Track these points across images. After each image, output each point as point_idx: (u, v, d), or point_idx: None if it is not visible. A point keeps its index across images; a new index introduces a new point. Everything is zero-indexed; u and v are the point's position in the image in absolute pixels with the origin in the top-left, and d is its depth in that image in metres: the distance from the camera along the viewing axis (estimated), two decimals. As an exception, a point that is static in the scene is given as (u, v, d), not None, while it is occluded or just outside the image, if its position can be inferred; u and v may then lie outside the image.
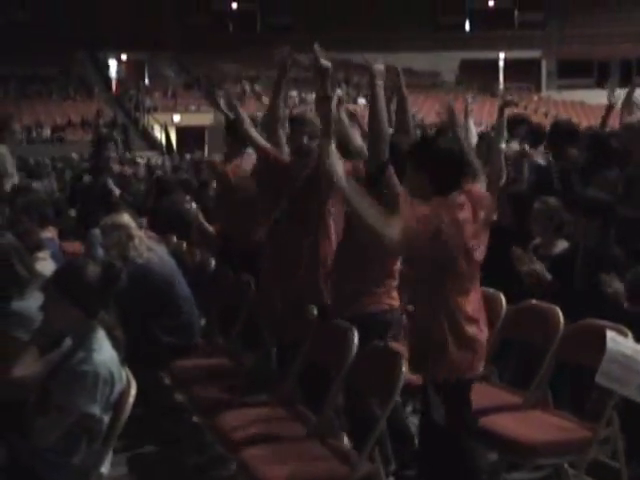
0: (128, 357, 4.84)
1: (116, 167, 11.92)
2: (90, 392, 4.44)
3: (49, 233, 8.50)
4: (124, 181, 10.93)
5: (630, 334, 5.23)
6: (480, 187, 5.01)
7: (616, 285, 6.01)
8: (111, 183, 11.11)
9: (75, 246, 10.59)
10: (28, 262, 6.09)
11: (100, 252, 7.93)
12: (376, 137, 5.71)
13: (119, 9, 61.63)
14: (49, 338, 5.07)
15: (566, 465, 5.32)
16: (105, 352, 4.60)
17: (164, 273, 7.07)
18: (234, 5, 69.31)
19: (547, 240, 7.09)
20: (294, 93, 54.74)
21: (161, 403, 7.24)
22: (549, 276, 6.62)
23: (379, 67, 5.89)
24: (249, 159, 7.82)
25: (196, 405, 6.47)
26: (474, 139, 6.95)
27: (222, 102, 8.15)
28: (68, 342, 4.84)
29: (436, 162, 4.81)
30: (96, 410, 4.46)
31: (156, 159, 33.10)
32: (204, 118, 47.68)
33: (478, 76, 63.69)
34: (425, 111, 47.50)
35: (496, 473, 5.73)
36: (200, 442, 6.85)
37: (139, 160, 25.84)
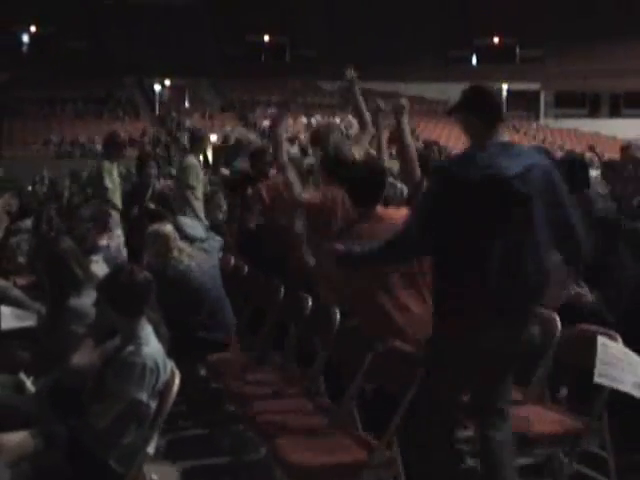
0: (169, 351, 4.88)
1: (157, 184, 11.84)
2: (138, 381, 4.48)
3: (104, 240, 8.55)
4: (163, 197, 10.89)
5: (619, 339, 5.22)
6: None
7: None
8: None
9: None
10: (84, 264, 6.14)
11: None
12: (408, 161, 6.26)
13: (163, 40, 61.90)
14: (102, 332, 5.11)
15: (560, 454, 5.30)
16: (152, 345, 4.64)
17: (202, 277, 7.08)
18: (266, 37, 69.49)
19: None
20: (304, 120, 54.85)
21: (198, 393, 7.26)
22: None
23: (403, 102, 6.61)
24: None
25: (230, 395, 6.48)
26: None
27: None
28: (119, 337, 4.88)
29: None
30: (143, 397, 4.50)
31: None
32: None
33: (483, 105, 63.65)
34: (436, 134, 47.33)
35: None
36: (233, 428, 6.87)
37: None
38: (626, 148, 11.01)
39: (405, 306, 5.45)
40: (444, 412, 4.78)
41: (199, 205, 10.54)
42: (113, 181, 10.87)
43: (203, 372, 7.46)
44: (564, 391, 6.36)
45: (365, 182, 5.74)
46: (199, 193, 10.66)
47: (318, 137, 7.86)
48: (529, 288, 4.63)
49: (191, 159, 10.86)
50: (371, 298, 5.50)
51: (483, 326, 4.57)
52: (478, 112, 4.72)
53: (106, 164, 11.02)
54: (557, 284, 6.04)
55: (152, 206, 9.87)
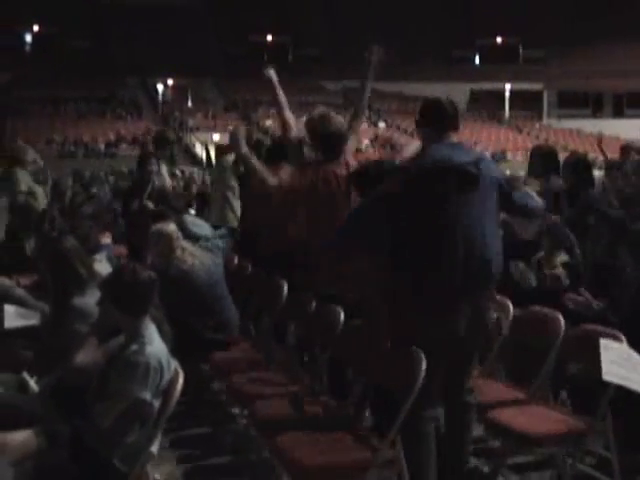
0: (172, 350, 4.88)
1: (157, 181, 11.79)
2: (142, 380, 4.48)
3: (106, 239, 8.56)
4: (162, 194, 10.85)
5: (624, 339, 5.22)
6: None
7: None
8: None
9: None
10: (87, 262, 6.15)
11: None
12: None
13: (166, 40, 61.90)
14: (105, 331, 5.11)
15: (563, 454, 5.29)
16: (155, 344, 4.64)
17: (206, 277, 7.08)
18: (269, 37, 69.49)
19: (550, 253, 7.07)
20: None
21: (201, 392, 7.26)
22: (568, 281, 6.63)
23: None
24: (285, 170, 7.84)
25: (232, 393, 6.48)
26: None
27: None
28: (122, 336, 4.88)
29: None
30: (147, 396, 4.49)
31: (197, 173, 33.20)
32: (240, 138, 47.74)
33: (486, 105, 63.80)
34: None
35: (501, 458, 5.72)
36: (235, 427, 6.88)
37: (177, 173, 25.80)
38: (624, 148, 11.05)
39: None
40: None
41: (238, 205, 10.54)
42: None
43: (206, 371, 7.47)
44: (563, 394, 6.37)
45: (373, 175, 5.77)
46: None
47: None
48: (492, 271, 5.03)
49: (231, 159, 10.84)
50: None
51: (451, 315, 4.93)
52: (430, 124, 5.22)
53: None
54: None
55: (150, 204, 9.87)
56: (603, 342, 5.05)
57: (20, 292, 7.35)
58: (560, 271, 6.74)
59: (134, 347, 4.60)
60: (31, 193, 10.27)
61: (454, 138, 5.18)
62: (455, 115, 5.23)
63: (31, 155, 10.61)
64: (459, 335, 4.95)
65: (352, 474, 4.72)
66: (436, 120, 5.21)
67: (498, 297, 6.38)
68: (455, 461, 5.16)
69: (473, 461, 6.08)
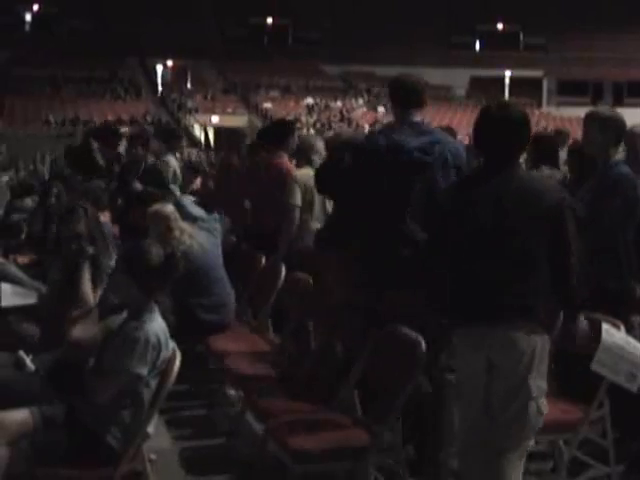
0: (171, 331, 4.88)
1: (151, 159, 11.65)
2: (140, 356, 4.50)
3: (103, 217, 8.50)
4: (155, 172, 10.74)
5: (622, 327, 5.21)
6: None
7: None
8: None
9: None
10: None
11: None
12: None
13: (166, 21, 61.75)
14: (108, 305, 5.11)
15: (560, 442, 5.27)
16: (155, 323, 4.64)
17: (204, 258, 7.05)
18: (269, 20, 69.30)
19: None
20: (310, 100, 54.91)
21: (197, 374, 7.25)
22: None
23: None
24: None
25: (228, 376, 6.47)
26: None
27: None
28: (125, 312, 4.88)
29: None
30: (144, 372, 4.51)
31: (195, 155, 33.16)
32: (239, 120, 47.90)
33: (486, 91, 63.58)
34: (438, 120, 47.11)
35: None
36: (231, 409, 6.87)
37: (176, 154, 25.74)
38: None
39: None
40: None
41: None
42: None
43: (203, 353, 7.45)
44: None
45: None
46: None
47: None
48: None
49: None
50: None
51: None
52: (394, 100, 5.65)
53: None
54: None
55: (139, 186, 9.82)
56: (605, 327, 5.04)
57: (14, 270, 7.33)
58: None
59: (134, 323, 4.63)
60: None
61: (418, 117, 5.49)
62: (415, 95, 5.53)
63: None
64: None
65: (351, 458, 4.71)
66: (398, 97, 5.60)
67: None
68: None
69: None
